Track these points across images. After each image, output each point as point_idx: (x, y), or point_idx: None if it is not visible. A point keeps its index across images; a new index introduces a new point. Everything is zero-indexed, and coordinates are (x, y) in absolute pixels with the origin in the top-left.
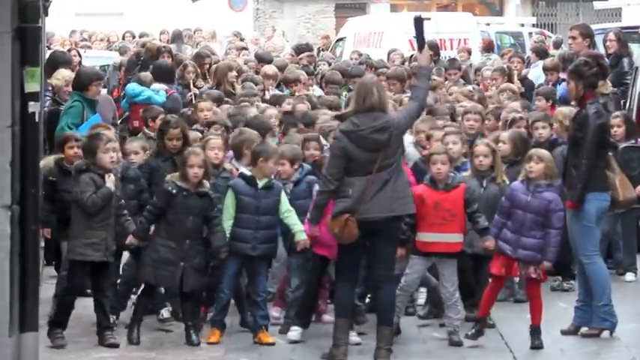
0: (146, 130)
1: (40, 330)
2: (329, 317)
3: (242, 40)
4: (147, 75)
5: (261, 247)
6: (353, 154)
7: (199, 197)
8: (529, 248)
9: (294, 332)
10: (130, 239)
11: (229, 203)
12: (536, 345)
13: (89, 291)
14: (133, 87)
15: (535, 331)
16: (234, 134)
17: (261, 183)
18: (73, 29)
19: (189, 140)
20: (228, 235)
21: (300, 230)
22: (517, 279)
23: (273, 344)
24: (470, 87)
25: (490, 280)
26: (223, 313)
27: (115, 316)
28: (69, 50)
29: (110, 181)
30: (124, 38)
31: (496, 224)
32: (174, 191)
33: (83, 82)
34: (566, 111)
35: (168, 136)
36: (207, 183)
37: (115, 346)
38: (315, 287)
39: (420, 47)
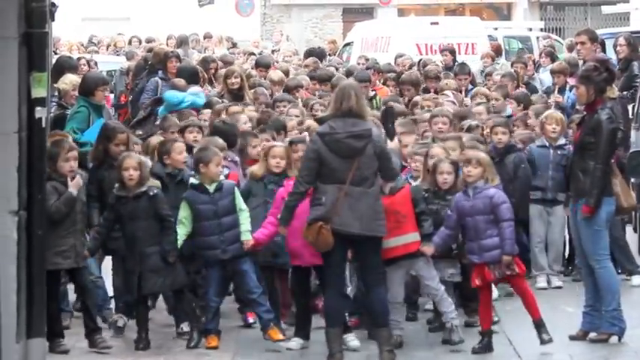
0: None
1: None
2: None
3: (234, 44)
4: (180, 80)
5: (230, 248)
6: (326, 159)
7: (135, 200)
8: (491, 249)
9: (293, 342)
10: (84, 254)
11: (184, 216)
12: (545, 340)
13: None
14: (174, 95)
15: (539, 325)
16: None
17: (211, 187)
18: (119, 32)
19: (131, 145)
20: (180, 243)
21: (246, 231)
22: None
23: (282, 340)
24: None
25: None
26: (215, 320)
27: (126, 319)
28: (78, 59)
29: (73, 185)
30: (130, 43)
31: (439, 234)
32: (113, 202)
33: (89, 87)
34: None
35: (115, 142)
36: (154, 182)
37: (108, 347)
38: (302, 298)
39: (390, 137)
